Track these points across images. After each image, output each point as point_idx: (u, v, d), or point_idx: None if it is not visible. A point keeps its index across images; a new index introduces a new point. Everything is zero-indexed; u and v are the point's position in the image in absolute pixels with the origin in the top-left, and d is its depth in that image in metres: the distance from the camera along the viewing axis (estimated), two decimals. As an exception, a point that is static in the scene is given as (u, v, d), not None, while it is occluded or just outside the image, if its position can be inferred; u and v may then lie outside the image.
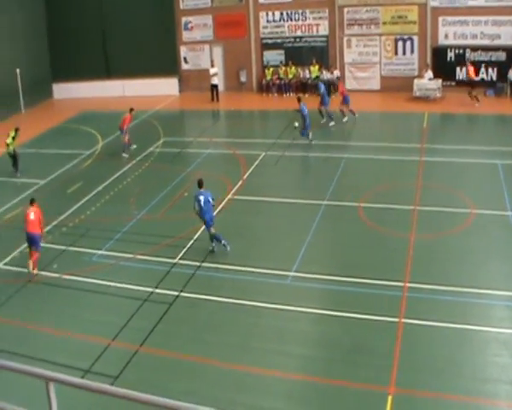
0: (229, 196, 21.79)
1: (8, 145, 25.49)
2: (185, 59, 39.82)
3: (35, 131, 32.19)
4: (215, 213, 19.91)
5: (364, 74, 36.14)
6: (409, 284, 15.25)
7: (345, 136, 29.25)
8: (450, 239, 17.73)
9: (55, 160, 27.47)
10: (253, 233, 19.24)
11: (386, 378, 11.94)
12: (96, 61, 39.86)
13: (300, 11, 36.64)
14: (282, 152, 26.23)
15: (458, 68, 33.64)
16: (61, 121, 34.59)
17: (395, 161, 24.38)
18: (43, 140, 31.06)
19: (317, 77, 35.51)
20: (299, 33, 37.08)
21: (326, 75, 35.73)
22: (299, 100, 27.08)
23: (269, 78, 37.52)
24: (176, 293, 15.73)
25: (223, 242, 17.61)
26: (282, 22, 37.23)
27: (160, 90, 38.56)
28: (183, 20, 39.09)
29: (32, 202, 17.98)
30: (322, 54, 36.65)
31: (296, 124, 26.53)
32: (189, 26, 39.09)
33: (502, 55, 32.98)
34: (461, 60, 33.36)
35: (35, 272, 17.34)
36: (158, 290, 15.96)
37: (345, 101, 30.05)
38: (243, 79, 38.43)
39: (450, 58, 33.94)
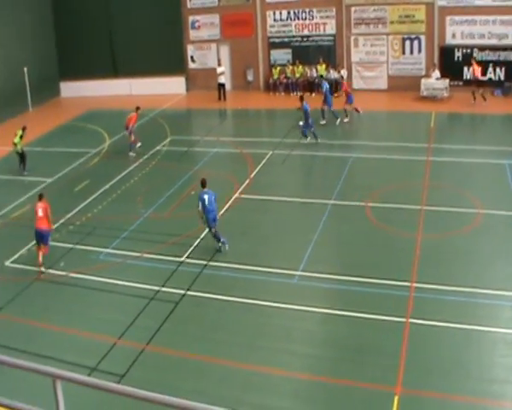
0: (236, 195, 21.79)
1: (15, 145, 25.55)
2: (192, 58, 39.82)
3: (42, 129, 32.27)
4: (222, 212, 20.00)
5: (371, 74, 36.07)
6: (416, 284, 15.22)
7: (352, 135, 29.21)
8: (458, 239, 17.68)
9: (62, 158, 27.53)
10: (260, 232, 19.22)
11: (393, 378, 11.91)
12: (104, 60, 39.89)
13: (307, 10, 36.59)
14: (289, 151, 26.21)
15: (466, 68, 33.46)
16: (68, 119, 34.67)
17: (402, 160, 24.32)
18: (50, 138, 31.13)
19: (321, 76, 35.51)
20: (306, 32, 37.02)
21: (333, 74, 35.70)
22: (301, 99, 26.99)
23: (276, 77, 37.50)
24: (182, 292, 15.74)
25: (222, 240, 17.65)
26: (289, 21, 37.19)
27: (167, 88, 38.56)
28: (191, 18, 39.09)
29: (40, 197, 18.09)
30: (329, 53, 36.60)
31: (301, 123, 26.51)
32: (197, 24, 39.09)
33: (510, 55, 32.84)
34: (468, 59, 33.20)
35: (42, 268, 17.45)
36: (164, 289, 15.98)
37: (348, 100, 30.01)
38: (250, 77, 38.41)
39: (458, 58, 33.81)
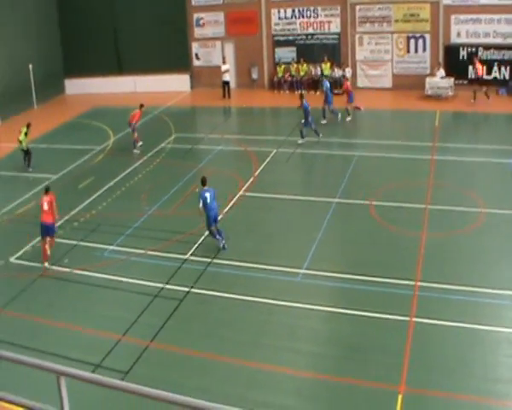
0: (241, 193, 21.79)
1: (20, 142, 25.59)
2: (197, 55, 39.81)
3: (47, 126, 32.32)
4: (226, 210, 20.02)
5: (376, 72, 36.01)
6: (420, 283, 15.20)
7: (356, 134, 29.20)
8: (462, 238, 17.66)
9: (66, 155, 27.56)
10: (264, 230, 19.21)
11: (397, 377, 11.91)
12: (108, 57, 39.93)
13: (312, 8, 36.54)
14: (294, 149, 26.20)
15: (471, 67, 33.33)
16: (73, 117, 34.70)
17: (407, 159, 24.29)
18: (55, 135, 31.18)
19: (322, 74, 35.53)
20: (310, 30, 36.97)
21: (337, 72, 35.66)
22: (301, 97, 26.92)
23: (280, 75, 37.48)
24: (186, 289, 15.75)
25: (217, 237, 17.69)
26: (293, 19, 37.15)
27: (172, 86, 38.59)
28: (195, 16, 39.08)
29: (46, 190, 18.17)
30: (333, 51, 36.53)
31: (303, 121, 26.50)
32: (201, 22, 39.08)
33: (515, 54, 32.79)
34: (473, 58, 33.12)
35: (46, 264, 17.57)
36: (169, 286, 15.99)
37: (349, 99, 29.95)
38: (255, 75, 38.38)
39: (463, 56, 33.70)
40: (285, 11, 37.14)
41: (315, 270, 16.25)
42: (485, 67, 32.34)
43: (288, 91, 36.76)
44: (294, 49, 37.55)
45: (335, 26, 36.34)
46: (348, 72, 35.50)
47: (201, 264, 17.01)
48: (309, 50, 37.04)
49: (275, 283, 15.89)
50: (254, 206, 21.02)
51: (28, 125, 25.86)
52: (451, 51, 33.93)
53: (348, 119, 29.77)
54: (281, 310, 14.72)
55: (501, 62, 33.01)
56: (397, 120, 31.58)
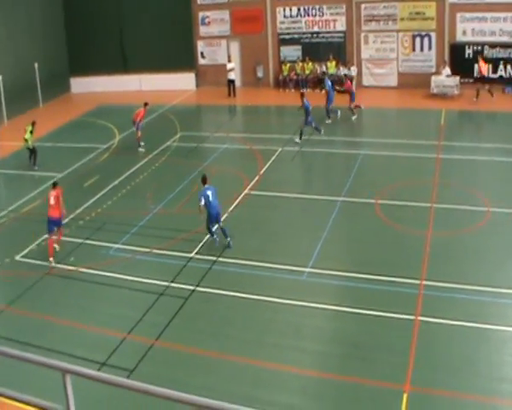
0: (246, 192, 21.79)
1: (26, 140, 25.64)
2: (202, 54, 39.82)
3: (53, 124, 32.38)
4: (231, 208, 20.03)
5: (381, 71, 35.97)
6: (425, 282, 15.18)
7: (362, 132, 29.20)
8: (467, 237, 17.63)
9: (72, 153, 27.62)
10: (270, 229, 19.21)
11: (402, 376, 11.90)
12: (114, 56, 40.02)
13: (318, 7, 36.50)
14: (299, 148, 26.19)
15: (476, 65, 33.29)
16: (78, 115, 34.76)
17: (412, 158, 24.24)
18: (60, 134, 31.24)
19: (324, 73, 35.53)
20: (316, 29, 36.94)
21: (343, 71, 35.62)
22: (302, 95, 26.87)
23: (286, 73, 37.47)
24: (192, 287, 15.76)
25: (214, 236, 17.78)
26: (299, 18, 37.12)
27: (177, 84, 38.62)
28: (201, 14, 39.10)
29: (54, 185, 18.32)
30: (339, 50, 36.49)
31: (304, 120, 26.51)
32: (206, 20, 39.10)
33: (521, 53, 32.70)
34: (479, 57, 33.03)
35: (57, 247, 18.03)
36: (174, 285, 16.00)
37: (351, 98, 29.86)
38: (260, 74, 38.39)
39: (469, 55, 33.61)
40: (290, 9, 37.13)
41: (320, 268, 16.25)
42: (490, 66, 32.27)
43: (293, 90, 36.68)
44: (300, 47, 37.53)
45: (341, 25, 36.31)
46: (353, 70, 35.47)
47: (207, 262, 17.02)
48: (314, 49, 37.03)
49: (280, 281, 15.89)
50: (259, 204, 21.01)
51: (33, 124, 25.89)
52: (457, 50, 33.85)
53: (354, 117, 29.73)
54: (286, 309, 14.72)
55: (507, 61, 32.90)
56: (402, 118, 31.54)
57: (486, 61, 32.42)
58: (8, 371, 10.31)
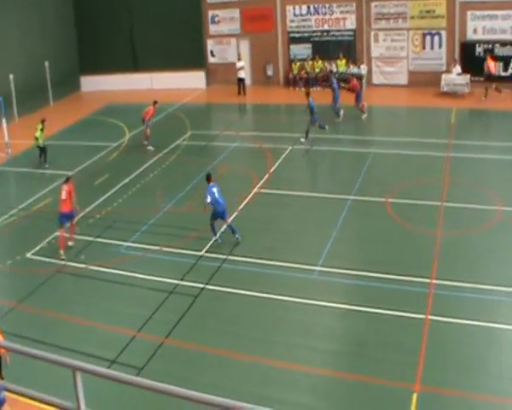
0: (256, 190, 21.79)
1: (37, 139, 25.75)
2: (212, 52, 39.84)
3: (63, 123, 32.49)
4: (241, 207, 20.05)
5: (392, 69, 35.86)
6: (435, 281, 15.14)
7: (372, 131, 29.14)
8: (478, 236, 17.55)
9: (82, 152, 27.71)
10: (280, 227, 19.20)
11: (412, 376, 11.87)
12: (124, 54, 40.07)
13: (327, 5, 36.42)
14: (309, 146, 26.16)
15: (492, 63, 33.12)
16: (88, 113, 34.87)
17: (422, 156, 24.16)
18: (70, 132, 31.34)
19: (331, 71, 35.49)
20: (326, 27, 36.87)
21: (353, 69, 35.54)
22: (307, 94, 26.80)
23: (295, 72, 37.43)
24: (201, 286, 15.79)
25: (217, 236, 17.91)
26: (309, 16, 37.06)
27: (187, 83, 38.64)
28: (210, 13, 39.11)
29: (67, 180, 18.53)
30: (349, 48, 36.41)
31: (326, 127, 26.49)
32: (216, 19, 39.10)
33: (532, 51, 32.52)
34: (488, 55, 32.83)
35: (70, 243, 18.34)
36: (184, 283, 16.04)
37: (358, 98, 29.71)
38: (270, 72, 38.37)
39: (479, 53, 33.44)
40: (300, 8, 37.06)
41: (330, 267, 16.24)
42: (501, 64, 32.08)
43: (303, 88, 36.48)
44: (310, 45, 37.47)
45: (351, 23, 36.23)
46: (364, 69, 35.40)
47: (216, 260, 17.04)
48: (324, 47, 36.95)
49: (290, 280, 15.89)
50: (269, 203, 21.01)
51: (43, 121, 25.97)
52: (467, 48, 33.69)
53: (364, 116, 29.65)
54: (296, 307, 14.72)
55: (518, 59, 32.74)
56: (412, 116, 31.45)
57: (497, 59, 32.24)
58: (20, 368, 10.39)
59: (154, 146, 27.19)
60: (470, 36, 33.62)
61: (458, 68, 32.95)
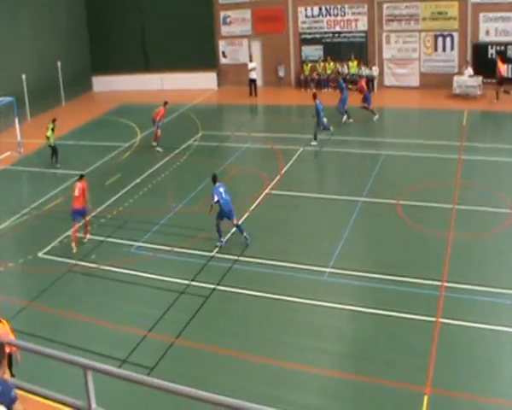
0: (267, 191, 21.79)
1: (48, 138, 25.87)
2: (224, 53, 39.89)
3: (75, 122, 32.63)
4: (252, 208, 20.06)
5: (403, 71, 35.76)
6: (446, 284, 15.08)
7: (383, 132, 29.08)
8: (490, 239, 17.47)
9: (94, 151, 27.82)
10: (291, 228, 19.19)
11: (423, 378, 11.83)
12: (136, 55, 40.22)
13: (339, 6, 36.38)
14: (320, 147, 26.15)
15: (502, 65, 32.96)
16: (100, 114, 35.00)
17: (434, 158, 24.08)
18: (82, 132, 31.47)
19: (339, 73, 35.49)
20: (337, 29, 36.82)
21: (365, 71, 35.49)
22: (314, 97, 26.76)
23: (307, 73, 37.41)
24: (212, 286, 15.80)
25: (222, 240, 17.93)
26: (320, 17, 37.02)
27: (199, 84, 38.72)
28: (222, 14, 39.16)
29: (80, 177, 18.86)
30: (360, 50, 36.35)
31: (325, 119, 26.42)
32: (228, 20, 39.15)
33: (545, 53, 32.33)
34: (498, 57, 32.64)
35: (88, 236, 18.83)
36: (194, 283, 16.06)
37: (366, 99, 29.60)
38: (281, 74, 38.36)
39: (491, 55, 33.28)
40: (312, 9, 37.04)
41: (341, 269, 16.21)
42: (505, 66, 31.91)
43: (314, 90, 36.58)
44: (321, 47, 37.43)
45: (362, 25, 36.17)
46: (375, 70, 35.36)
47: (227, 261, 17.06)
48: (336, 49, 36.91)
49: (301, 281, 15.88)
50: (280, 204, 21.00)
51: (54, 121, 26.10)
52: (480, 50, 33.53)
53: (375, 118, 29.59)
54: (306, 308, 14.70)
55: (530, 61, 32.57)
56: (424, 118, 31.34)
57: (508, 61, 32.03)
58: (32, 367, 10.45)
59: (166, 146, 27.22)
60: (482, 38, 33.47)
61: (470, 70, 32.82)
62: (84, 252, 18.15)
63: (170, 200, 21.69)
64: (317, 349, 13.23)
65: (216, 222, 17.86)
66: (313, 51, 37.65)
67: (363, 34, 36.33)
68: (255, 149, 27.31)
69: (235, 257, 17.22)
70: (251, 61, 37.15)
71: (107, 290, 16.27)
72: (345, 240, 17.86)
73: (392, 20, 35.30)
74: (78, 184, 18.50)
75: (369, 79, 34.71)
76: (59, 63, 36.81)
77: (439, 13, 34.15)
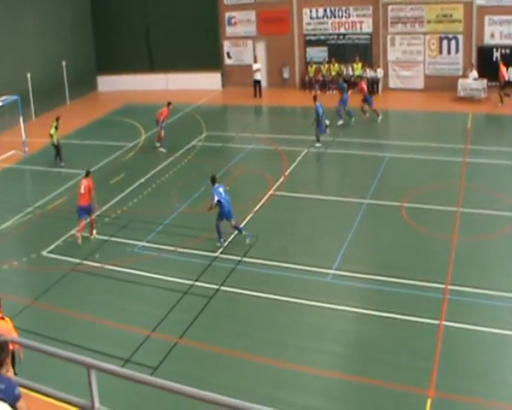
0: (271, 192, 21.79)
1: (51, 136, 25.90)
2: (228, 54, 39.90)
3: (80, 122, 32.66)
4: (256, 209, 20.07)
5: (408, 73, 35.74)
6: (450, 287, 15.06)
7: (387, 135, 29.06)
8: (493, 242, 17.44)
9: (98, 151, 27.84)
10: (294, 229, 19.18)
11: (426, 381, 11.81)
12: (140, 55, 40.27)
13: (344, 8, 36.37)
14: (324, 149, 26.14)
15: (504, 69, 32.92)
16: (105, 113, 35.03)
17: (438, 161, 24.08)
18: (87, 131, 31.49)
19: (339, 75, 35.51)
20: (342, 30, 36.79)
21: (369, 73, 35.48)
22: (314, 99, 26.72)
23: (312, 75, 37.39)
24: (216, 287, 15.81)
25: (221, 240, 17.94)
26: (325, 19, 37.01)
27: (203, 84, 38.72)
28: (227, 15, 39.18)
29: (86, 174, 18.94)
30: (365, 52, 36.33)
31: (327, 122, 26.42)
32: (233, 21, 39.17)
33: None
34: (507, 60, 32.59)
35: (94, 233, 18.98)
36: (198, 283, 16.06)
37: (368, 101, 29.58)
38: (286, 75, 38.33)
39: (496, 58, 33.23)
40: (317, 11, 37.03)
41: (345, 271, 16.20)
42: (506, 69, 31.85)
43: (319, 91, 36.58)
44: (326, 48, 37.42)
45: (367, 27, 36.14)
46: (380, 72, 35.35)
47: (231, 262, 17.06)
48: (340, 50, 36.90)
49: (304, 283, 15.87)
50: (284, 205, 21.00)
51: (57, 119, 26.14)
52: (485, 52, 33.50)
53: (379, 118, 29.57)
54: (309, 310, 14.70)
55: (536, 65, 32.50)
56: (428, 121, 31.32)
57: (505, 65, 31.94)
58: (35, 365, 10.45)
59: (170, 146, 27.23)
60: (487, 41, 33.43)
61: (475, 73, 32.79)
62: (87, 251, 18.16)
63: (174, 200, 21.71)
64: (319, 351, 13.23)
65: (216, 223, 17.87)
66: (318, 53, 37.63)
67: (367, 36, 36.30)
68: (259, 150, 27.31)
69: (239, 258, 17.23)
70: (255, 62, 37.18)
71: (111, 290, 16.28)
72: (349, 242, 17.85)
73: (397, 23, 35.29)
74: (85, 182, 18.59)
75: (373, 81, 34.72)
76: (64, 62, 36.85)
77: (444, 15, 34.12)
